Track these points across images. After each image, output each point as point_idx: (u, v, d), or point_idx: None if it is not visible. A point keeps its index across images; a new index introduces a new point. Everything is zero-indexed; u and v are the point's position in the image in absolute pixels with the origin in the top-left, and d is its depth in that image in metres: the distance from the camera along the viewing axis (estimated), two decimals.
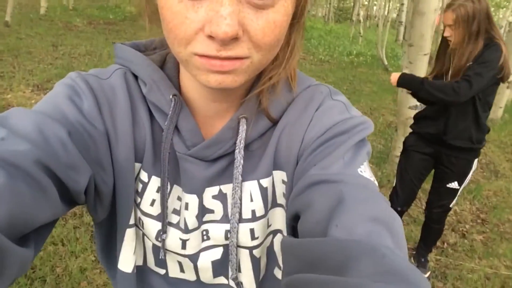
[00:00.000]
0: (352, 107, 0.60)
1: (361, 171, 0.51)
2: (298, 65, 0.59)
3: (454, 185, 2.41)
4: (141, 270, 0.66)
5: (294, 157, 0.58)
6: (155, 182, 0.59)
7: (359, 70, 10.30)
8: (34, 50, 7.37)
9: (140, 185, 0.60)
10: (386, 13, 17.47)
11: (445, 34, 2.25)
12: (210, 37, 0.42)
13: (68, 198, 0.49)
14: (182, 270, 0.65)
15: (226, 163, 0.59)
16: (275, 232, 0.64)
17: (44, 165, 0.44)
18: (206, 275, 0.64)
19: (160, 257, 0.63)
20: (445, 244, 3.13)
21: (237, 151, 0.56)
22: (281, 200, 0.62)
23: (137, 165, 0.59)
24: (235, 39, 0.42)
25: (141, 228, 0.63)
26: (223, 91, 0.55)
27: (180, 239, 0.62)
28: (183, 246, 0.62)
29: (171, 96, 0.56)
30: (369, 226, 0.41)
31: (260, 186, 0.59)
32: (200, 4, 0.42)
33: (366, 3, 22.37)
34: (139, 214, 0.62)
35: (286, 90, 0.60)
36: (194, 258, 0.63)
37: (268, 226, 0.63)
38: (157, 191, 0.60)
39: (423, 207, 2.72)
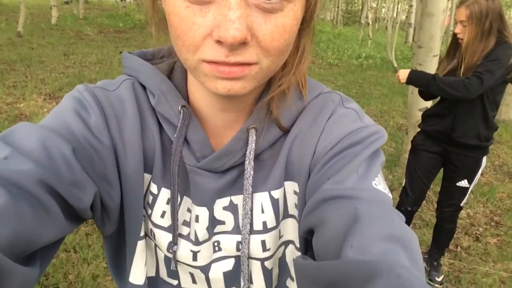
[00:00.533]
0: (365, 115, 0.59)
1: (375, 184, 0.50)
2: (307, 69, 0.58)
3: (463, 183, 2.40)
4: (153, 281, 0.66)
5: (306, 168, 0.57)
6: (165, 194, 0.59)
7: (368, 73, 10.26)
8: (46, 59, 7.48)
9: (151, 197, 0.60)
10: (395, 15, 17.38)
11: (456, 31, 2.26)
12: (218, 42, 0.41)
13: (73, 216, 0.49)
14: (194, 281, 0.64)
15: (236, 174, 0.58)
16: (287, 243, 0.63)
17: (47, 184, 0.44)
18: (218, 286, 0.63)
19: (172, 268, 0.63)
20: (459, 247, 3.09)
21: (247, 162, 0.55)
22: (293, 211, 0.61)
23: (147, 176, 0.59)
24: (243, 43, 0.41)
25: (153, 239, 0.62)
26: (232, 100, 0.54)
27: (191, 251, 0.61)
28: (194, 258, 0.61)
29: (179, 108, 0.55)
30: (384, 245, 0.40)
31: (271, 197, 0.59)
32: (207, 9, 0.41)
33: (374, 5, 22.29)
34: (150, 225, 0.61)
35: (297, 97, 0.58)
36: (205, 269, 0.62)
37: (280, 237, 0.62)
38: (167, 203, 0.59)
39: (435, 210, 2.69)
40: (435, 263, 2.69)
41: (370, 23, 17.33)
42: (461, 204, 2.48)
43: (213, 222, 0.60)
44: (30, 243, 0.41)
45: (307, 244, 0.60)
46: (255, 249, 0.60)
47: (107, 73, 7.02)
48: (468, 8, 2.15)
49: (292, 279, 0.65)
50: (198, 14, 0.41)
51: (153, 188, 0.59)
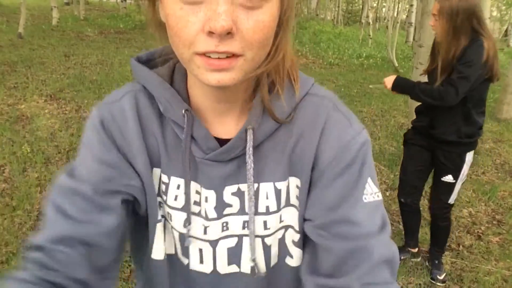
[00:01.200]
0: (352, 117, 0.69)
1: (365, 198, 0.63)
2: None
3: (448, 178, 2.42)
4: (171, 258, 0.74)
5: (308, 168, 0.67)
6: (175, 181, 0.69)
7: (369, 72, 10.26)
8: (46, 60, 7.50)
9: (163, 186, 0.70)
10: (395, 14, 17.41)
11: (430, 23, 2.32)
12: (210, 33, 0.49)
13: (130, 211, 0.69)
14: (201, 261, 0.73)
15: (241, 163, 0.67)
16: (287, 227, 0.72)
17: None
18: (221, 263, 0.72)
19: (186, 245, 0.71)
20: (461, 246, 3.09)
21: (247, 156, 0.64)
22: (294, 201, 0.70)
23: (157, 170, 0.69)
24: (230, 34, 0.49)
25: (169, 221, 0.72)
26: (224, 91, 0.62)
27: (203, 225, 0.70)
28: (205, 232, 0.71)
29: (183, 111, 0.63)
30: None
31: (275, 188, 0.68)
32: (198, 8, 0.49)
33: (375, 5, 22.27)
34: (167, 209, 0.71)
35: (288, 91, 0.67)
36: (214, 244, 0.71)
37: (281, 221, 0.71)
38: (177, 188, 0.69)
39: (428, 208, 2.71)
40: (437, 262, 2.70)
41: (371, 23, 17.31)
42: (449, 201, 2.48)
43: (222, 204, 0.69)
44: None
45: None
46: (258, 228, 0.69)
47: (108, 74, 7.04)
48: (439, 3, 2.19)
49: (292, 257, 0.74)
50: (191, 14, 0.50)
51: (164, 178, 0.69)
